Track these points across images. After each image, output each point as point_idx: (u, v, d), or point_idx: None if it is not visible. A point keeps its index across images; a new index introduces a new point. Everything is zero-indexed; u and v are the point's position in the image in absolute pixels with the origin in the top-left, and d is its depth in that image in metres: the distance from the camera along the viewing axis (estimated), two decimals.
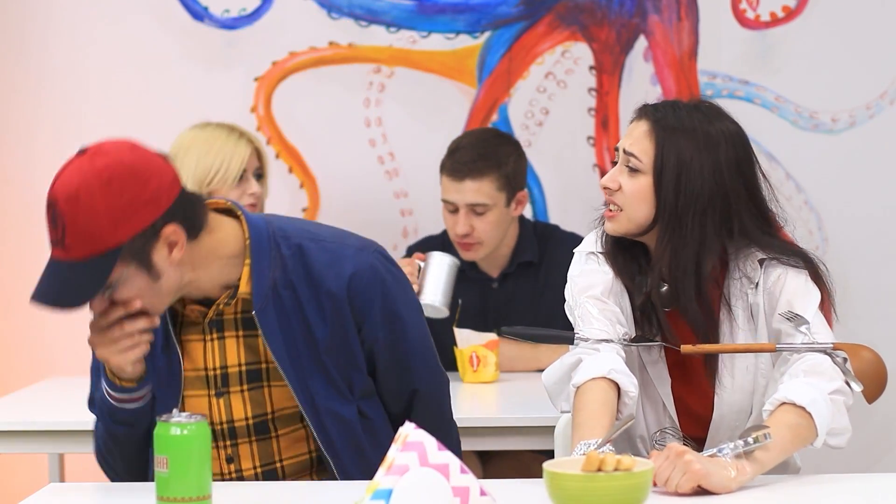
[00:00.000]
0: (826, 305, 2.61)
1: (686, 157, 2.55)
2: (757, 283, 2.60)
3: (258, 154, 3.79)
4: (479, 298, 3.88)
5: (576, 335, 2.61)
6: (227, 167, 3.73)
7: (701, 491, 2.28)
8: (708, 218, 2.55)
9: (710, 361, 2.62)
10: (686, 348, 2.55)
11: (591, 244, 2.70)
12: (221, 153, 3.73)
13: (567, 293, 2.69)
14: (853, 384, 2.48)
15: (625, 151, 2.60)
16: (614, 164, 2.64)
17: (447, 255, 3.71)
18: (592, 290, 2.62)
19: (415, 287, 3.65)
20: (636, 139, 2.60)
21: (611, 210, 2.62)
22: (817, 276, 2.60)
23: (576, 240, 2.89)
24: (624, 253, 2.65)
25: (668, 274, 2.58)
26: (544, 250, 3.91)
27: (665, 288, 2.60)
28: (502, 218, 3.84)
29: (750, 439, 2.34)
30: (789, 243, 2.64)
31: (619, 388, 2.48)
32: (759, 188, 2.62)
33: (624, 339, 2.59)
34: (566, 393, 2.57)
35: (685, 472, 2.25)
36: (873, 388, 2.55)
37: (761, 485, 2.36)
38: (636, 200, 2.59)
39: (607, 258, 2.66)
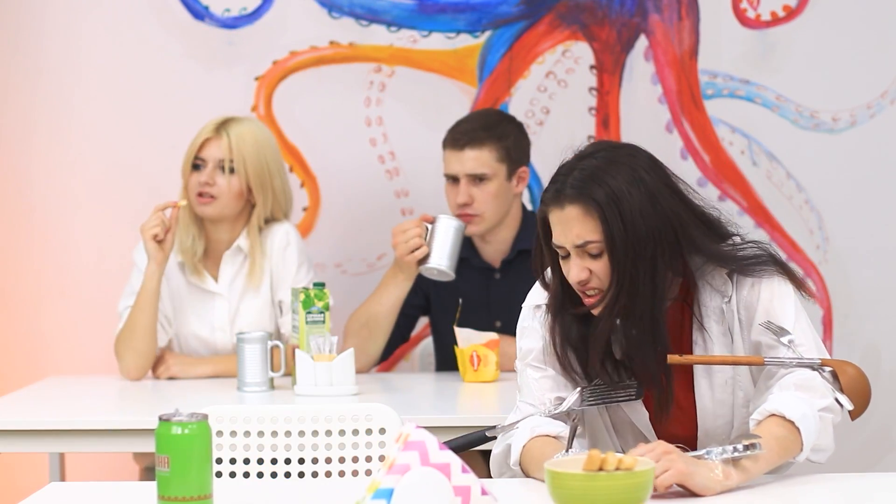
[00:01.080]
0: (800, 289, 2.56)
1: (627, 213, 2.43)
2: (731, 297, 2.54)
3: (230, 147, 3.77)
4: (482, 290, 3.88)
5: (518, 400, 2.65)
6: (186, 155, 3.81)
7: (688, 492, 2.27)
8: (658, 257, 2.45)
9: (686, 387, 2.57)
10: (672, 358, 2.49)
11: (537, 296, 2.65)
12: (189, 142, 3.83)
13: (517, 349, 2.68)
14: (843, 401, 2.47)
15: (576, 247, 2.48)
16: (564, 256, 2.50)
17: (454, 219, 3.72)
18: (532, 356, 2.63)
19: (423, 250, 3.66)
20: (579, 229, 2.46)
21: (591, 296, 2.51)
22: (784, 269, 2.55)
23: None
24: (568, 309, 2.57)
25: (625, 325, 2.50)
26: None
27: (620, 335, 2.52)
28: (502, 191, 3.83)
29: (740, 446, 2.30)
30: (742, 246, 2.55)
31: (550, 436, 2.50)
32: (690, 195, 2.52)
33: (573, 407, 2.55)
34: (513, 475, 2.57)
35: (667, 468, 2.23)
36: (857, 404, 2.54)
37: (759, 484, 2.35)
38: (606, 276, 2.48)
39: (549, 316, 2.59)
